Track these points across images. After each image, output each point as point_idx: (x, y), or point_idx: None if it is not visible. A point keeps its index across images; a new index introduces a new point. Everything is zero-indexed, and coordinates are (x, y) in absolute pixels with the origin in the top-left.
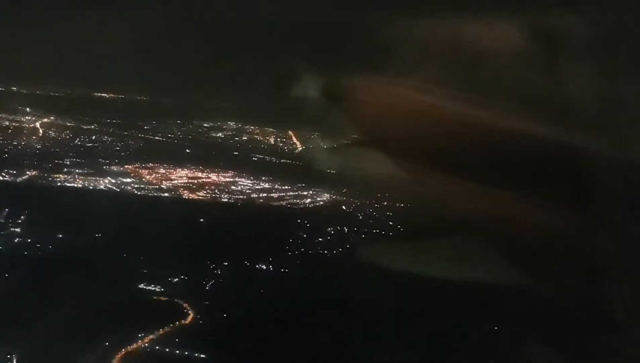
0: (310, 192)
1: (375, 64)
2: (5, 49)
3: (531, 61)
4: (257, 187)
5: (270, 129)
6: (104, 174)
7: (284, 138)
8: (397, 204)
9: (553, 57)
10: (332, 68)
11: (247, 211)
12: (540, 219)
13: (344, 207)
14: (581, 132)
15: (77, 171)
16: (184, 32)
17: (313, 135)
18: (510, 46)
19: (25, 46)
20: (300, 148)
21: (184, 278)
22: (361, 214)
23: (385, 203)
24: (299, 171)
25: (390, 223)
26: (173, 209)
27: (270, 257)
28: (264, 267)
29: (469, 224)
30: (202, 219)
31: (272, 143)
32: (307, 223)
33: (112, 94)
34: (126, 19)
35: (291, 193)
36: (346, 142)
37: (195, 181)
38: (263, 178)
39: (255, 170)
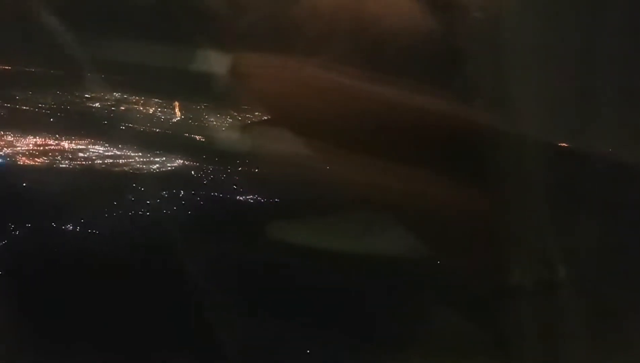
0: (163, 159)
1: (279, 42)
2: None
3: (433, 38)
4: (106, 154)
5: (155, 100)
6: None
7: (167, 108)
8: (255, 170)
9: (453, 34)
10: (236, 45)
11: (79, 176)
12: (444, 195)
13: (192, 173)
14: (483, 110)
15: None
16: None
17: (199, 106)
18: (412, 23)
19: None
20: (178, 118)
21: None
22: (207, 180)
23: (241, 169)
24: (163, 139)
25: (235, 186)
26: None
27: (82, 219)
28: (71, 228)
29: (375, 201)
30: (24, 184)
31: (151, 113)
32: (142, 187)
33: None
34: None
35: (140, 159)
36: (252, 120)
37: (41, 148)
38: (119, 146)
39: (115, 138)
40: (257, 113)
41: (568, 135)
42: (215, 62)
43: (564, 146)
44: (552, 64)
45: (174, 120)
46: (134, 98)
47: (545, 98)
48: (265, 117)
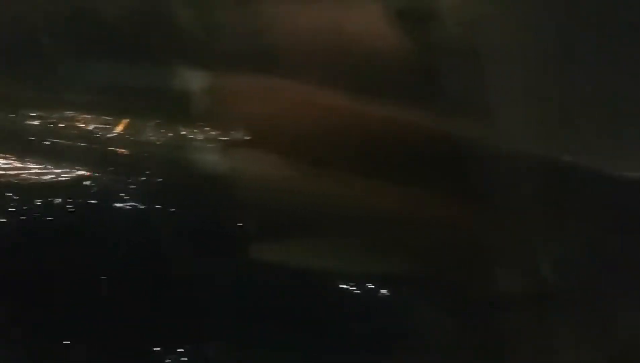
0: (64, 170)
1: (259, 63)
2: None
3: (414, 56)
4: (3, 166)
5: (105, 118)
6: None
7: (111, 125)
8: (158, 180)
9: (422, 44)
10: (215, 65)
11: None
12: (434, 212)
13: (84, 183)
14: (469, 124)
15: None
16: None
17: (151, 123)
18: (391, 42)
19: None
20: (115, 133)
21: None
22: (96, 189)
23: (145, 179)
24: (81, 153)
25: (122, 195)
26: None
27: None
28: None
29: (363, 220)
30: None
31: (90, 129)
32: (17, 195)
33: None
34: None
35: (37, 171)
36: (232, 141)
37: None
38: (27, 159)
39: (24, 152)
40: (213, 132)
41: (553, 147)
42: (194, 83)
43: (549, 157)
44: (535, 74)
45: (109, 135)
46: (82, 116)
47: (530, 110)
48: (245, 138)
